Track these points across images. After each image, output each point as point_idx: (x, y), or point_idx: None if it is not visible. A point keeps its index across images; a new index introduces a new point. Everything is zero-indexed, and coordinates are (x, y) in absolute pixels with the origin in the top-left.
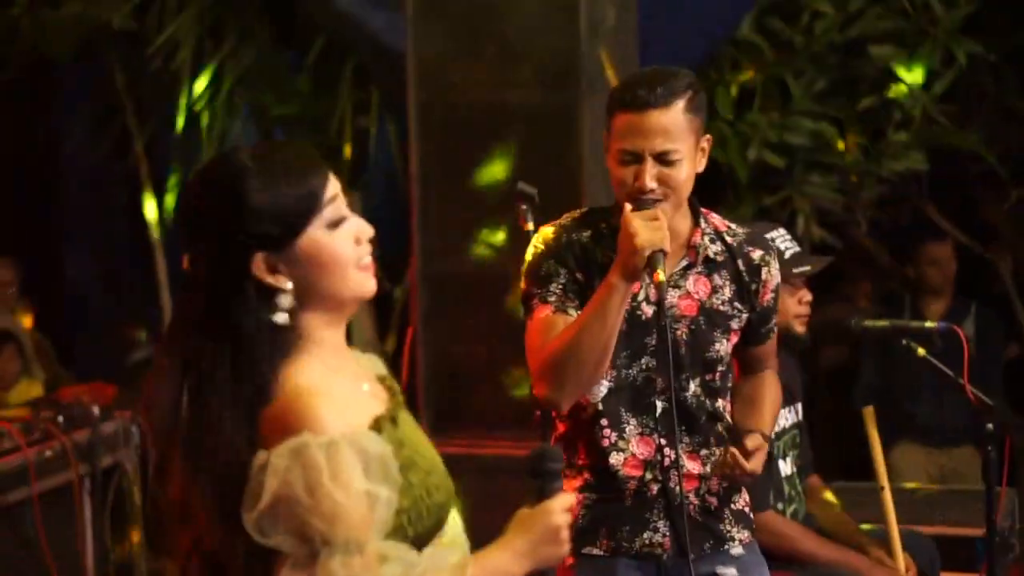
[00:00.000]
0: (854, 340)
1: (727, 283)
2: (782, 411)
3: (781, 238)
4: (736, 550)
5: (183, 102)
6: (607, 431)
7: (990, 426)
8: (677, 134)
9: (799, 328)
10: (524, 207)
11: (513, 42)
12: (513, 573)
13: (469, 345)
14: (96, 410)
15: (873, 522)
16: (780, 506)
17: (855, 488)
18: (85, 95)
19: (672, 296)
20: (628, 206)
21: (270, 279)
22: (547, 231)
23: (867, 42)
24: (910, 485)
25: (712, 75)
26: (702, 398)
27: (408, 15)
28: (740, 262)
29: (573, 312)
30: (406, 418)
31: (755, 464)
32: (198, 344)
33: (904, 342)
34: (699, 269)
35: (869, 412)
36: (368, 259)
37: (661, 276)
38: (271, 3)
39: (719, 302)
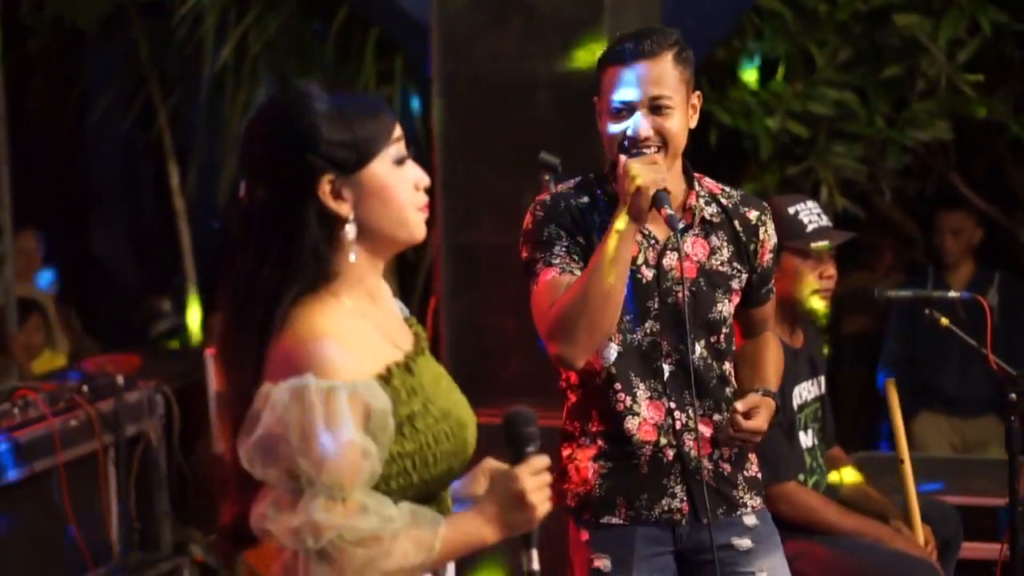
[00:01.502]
0: (878, 309)
1: (725, 244)
2: (804, 383)
3: (806, 211)
4: (750, 519)
5: (207, 72)
6: (621, 395)
7: (1013, 396)
8: (668, 83)
9: (822, 301)
10: (547, 177)
11: (538, 12)
12: (484, 537)
13: (497, 318)
14: (121, 379)
15: (895, 492)
16: (802, 477)
17: (878, 458)
18: (110, 66)
19: (671, 259)
20: (623, 157)
21: (333, 204)
22: (544, 198)
23: (891, 11)
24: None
25: (736, 44)
26: (709, 360)
27: None
28: (737, 223)
29: (578, 272)
30: (426, 363)
31: (758, 422)
32: (248, 267)
33: (927, 312)
34: (696, 231)
35: (891, 384)
36: (425, 204)
37: (669, 211)
38: None
39: (718, 263)
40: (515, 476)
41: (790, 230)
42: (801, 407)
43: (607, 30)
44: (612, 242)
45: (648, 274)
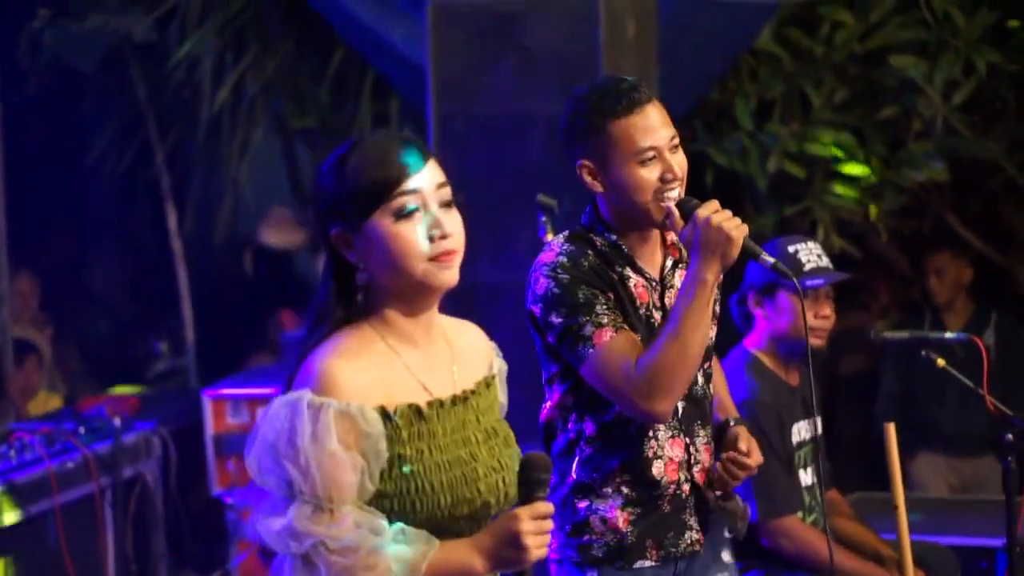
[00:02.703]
0: (875, 350)
1: None
2: (802, 423)
3: (806, 251)
4: (727, 532)
5: (204, 114)
6: (652, 441)
7: (1010, 436)
8: (670, 122)
9: (817, 341)
10: (544, 218)
11: (533, 54)
12: (474, 567)
13: None
14: (117, 421)
15: (892, 534)
16: (800, 515)
17: (876, 498)
18: (108, 107)
19: (670, 297)
20: (672, 208)
21: (343, 252)
22: (561, 261)
23: (887, 52)
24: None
25: (732, 85)
26: (705, 388)
27: (428, 27)
28: None
29: (627, 329)
30: (457, 414)
31: (757, 456)
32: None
33: (924, 352)
34: (682, 265)
35: (890, 428)
36: (441, 252)
37: (766, 256)
38: (292, 14)
39: None
40: (516, 516)
41: (788, 268)
42: (799, 445)
43: (603, 70)
44: (705, 292)
45: (657, 316)
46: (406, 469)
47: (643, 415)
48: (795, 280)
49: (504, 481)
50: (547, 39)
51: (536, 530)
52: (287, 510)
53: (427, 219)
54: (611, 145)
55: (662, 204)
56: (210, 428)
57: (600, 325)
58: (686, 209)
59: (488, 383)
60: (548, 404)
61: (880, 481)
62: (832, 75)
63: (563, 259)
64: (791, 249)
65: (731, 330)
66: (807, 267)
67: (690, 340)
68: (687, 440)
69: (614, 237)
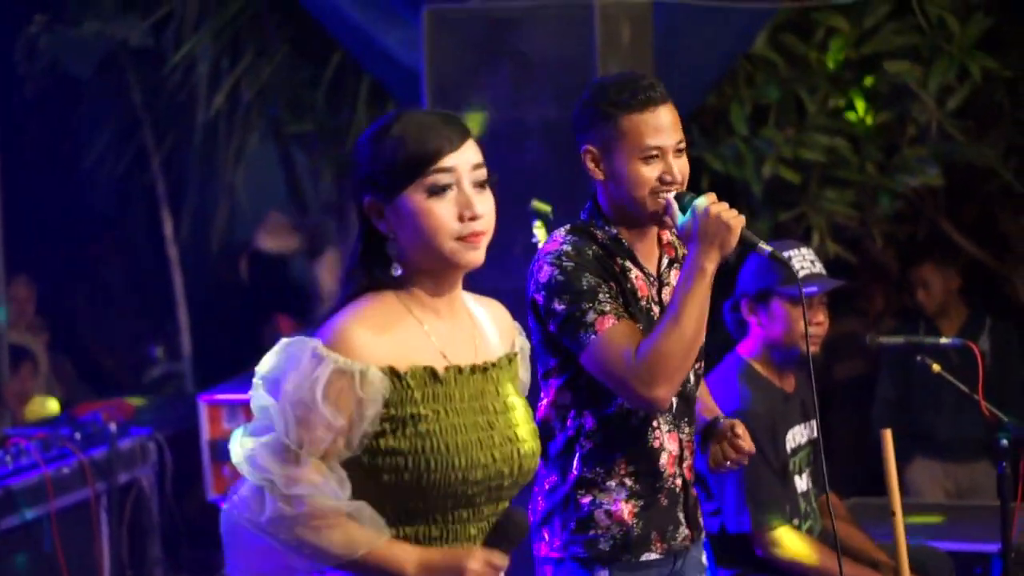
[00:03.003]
0: (870, 355)
1: None
2: (797, 427)
3: (799, 257)
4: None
5: (200, 118)
6: (657, 432)
7: (1004, 441)
8: (680, 127)
9: (812, 348)
10: (539, 224)
11: (529, 59)
12: (405, 572)
13: None
14: (113, 427)
15: (888, 539)
16: (796, 522)
17: (872, 504)
18: (104, 112)
19: (667, 293)
20: (671, 199)
21: (375, 222)
22: (566, 250)
23: (882, 58)
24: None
25: (727, 91)
26: (695, 387)
27: (423, 34)
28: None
29: (629, 318)
30: (475, 383)
31: (749, 443)
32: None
33: (919, 358)
34: (678, 264)
35: (887, 435)
36: (469, 233)
37: (764, 245)
38: (287, 20)
39: None
40: (472, 554)
41: (783, 275)
42: (795, 451)
43: (598, 76)
44: (703, 281)
45: (656, 310)
46: (422, 428)
47: (643, 402)
48: (791, 267)
49: (519, 453)
50: (542, 45)
51: (482, 572)
52: (254, 438)
53: (459, 198)
54: (618, 137)
55: (659, 199)
56: (206, 433)
57: (602, 312)
58: (684, 201)
59: (511, 359)
60: (544, 401)
61: (876, 487)
62: (827, 81)
63: (567, 248)
64: (785, 255)
65: (722, 338)
66: (802, 273)
67: (689, 327)
68: (681, 436)
69: (614, 231)
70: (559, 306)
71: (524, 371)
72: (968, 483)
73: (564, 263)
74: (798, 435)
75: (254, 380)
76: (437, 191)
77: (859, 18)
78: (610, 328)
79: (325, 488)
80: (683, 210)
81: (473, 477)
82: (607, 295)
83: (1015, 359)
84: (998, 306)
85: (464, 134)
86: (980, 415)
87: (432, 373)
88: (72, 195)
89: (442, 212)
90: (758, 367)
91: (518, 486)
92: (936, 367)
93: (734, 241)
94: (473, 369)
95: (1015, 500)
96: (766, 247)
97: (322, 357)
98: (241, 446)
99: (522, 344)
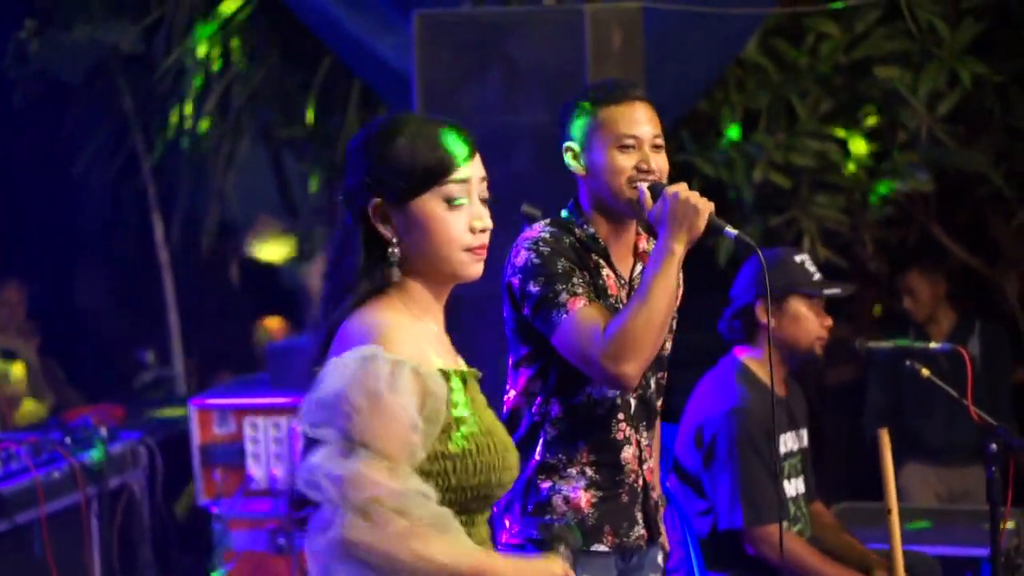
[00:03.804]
0: (860, 360)
1: None
2: (788, 434)
3: (808, 262)
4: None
5: (190, 124)
6: (623, 424)
7: (993, 446)
8: (659, 126)
9: (818, 349)
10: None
11: (519, 65)
12: None
13: (477, 366)
14: (104, 431)
15: (879, 543)
16: (785, 525)
17: (862, 509)
18: (95, 117)
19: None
20: (645, 187)
21: (380, 227)
22: (541, 235)
23: (872, 63)
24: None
25: (718, 96)
26: (656, 396)
27: (414, 39)
28: None
29: (600, 303)
30: (476, 391)
31: None
32: (327, 272)
33: (909, 363)
34: None
35: (884, 434)
36: (478, 245)
37: (730, 228)
38: (278, 25)
39: None
40: (562, 566)
41: (800, 277)
42: (785, 456)
43: (589, 81)
44: (672, 262)
45: (620, 308)
46: (466, 431)
47: (611, 378)
48: (759, 250)
49: (515, 457)
50: (533, 50)
51: None
52: (349, 462)
53: (471, 209)
54: (596, 127)
55: (633, 187)
56: (196, 438)
57: (575, 294)
58: (656, 190)
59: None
60: (513, 392)
61: (866, 491)
62: (817, 86)
63: (545, 235)
64: (797, 259)
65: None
66: (816, 277)
67: (657, 307)
68: (638, 437)
69: (592, 229)
70: (534, 288)
71: None
72: (960, 487)
73: (541, 248)
74: (788, 441)
75: (308, 408)
76: (452, 202)
77: (849, 23)
78: (581, 308)
79: (427, 494)
80: (655, 198)
81: (504, 479)
82: (582, 279)
83: (1004, 363)
84: (988, 311)
85: (475, 147)
86: (970, 420)
87: (461, 376)
88: (63, 199)
89: (457, 223)
90: (755, 369)
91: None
92: (926, 372)
93: (702, 224)
94: (472, 376)
95: (1004, 505)
96: (732, 230)
97: (397, 362)
98: (332, 471)
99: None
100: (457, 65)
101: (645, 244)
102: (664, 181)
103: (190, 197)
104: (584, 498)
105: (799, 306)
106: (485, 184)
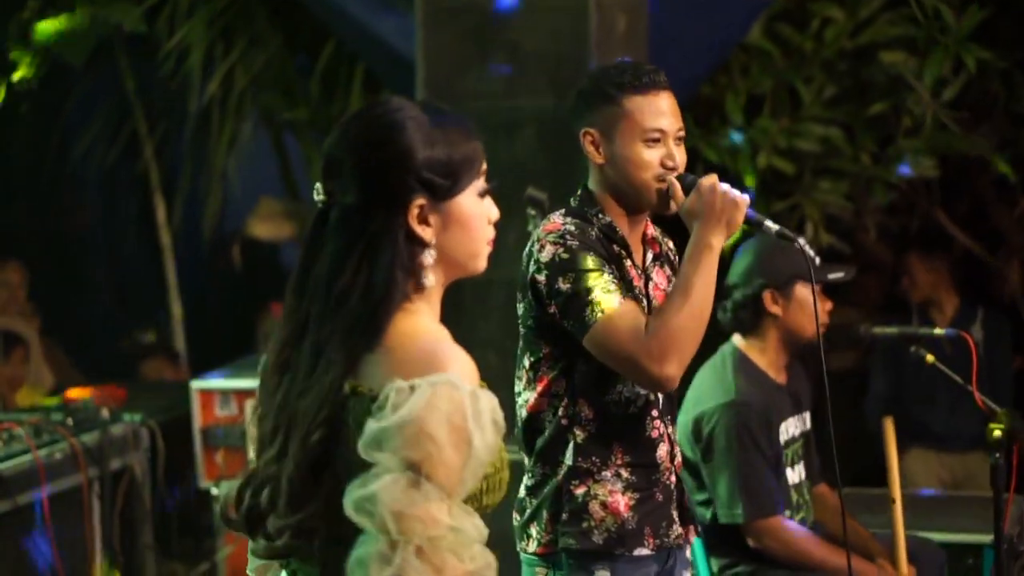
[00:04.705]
0: (863, 346)
1: (672, 273)
2: (791, 419)
3: (807, 247)
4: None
5: (193, 107)
6: (657, 422)
7: (997, 432)
8: (680, 117)
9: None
10: (534, 213)
11: (523, 49)
12: None
13: (481, 352)
14: (106, 413)
15: (881, 530)
16: (788, 514)
17: (865, 495)
18: (96, 99)
19: (652, 288)
20: (673, 180)
21: (418, 228)
22: (569, 229)
23: (877, 48)
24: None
25: (722, 81)
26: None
27: (417, 22)
28: (671, 253)
29: (632, 298)
30: None
31: None
32: (322, 269)
33: (913, 349)
34: (662, 260)
35: (889, 422)
36: (493, 237)
37: (772, 224)
38: (281, 8)
39: None
40: None
41: (803, 262)
42: (787, 443)
43: (594, 66)
44: (711, 258)
45: (644, 303)
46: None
47: (653, 380)
48: (799, 241)
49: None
50: (537, 35)
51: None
52: (417, 493)
53: (489, 202)
54: (622, 117)
55: (661, 182)
56: (198, 420)
57: (608, 291)
58: (686, 182)
59: None
60: (534, 394)
61: (868, 478)
62: (822, 71)
63: (570, 227)
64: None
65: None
66: (816, 262)
67: (699, 303)
68: (668, 430)
69: (607, 219)
70: (563, 285)
71: None
72: (963, 473)
73: (568, 241)
74: (791, 427)
75: (379, 434)
76: (485, 193)
77: (854, 8)
78: (618, 307)
79: (480, 529)
80: (686, 191)
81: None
82: (611, 274)
83: (1007, 350)
84: (990, 297)
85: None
86: (974, 405)
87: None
88: (65, 182)
89: (488, 215)
90: (754, 358)
91: None
92: (930, 358)
93: (740, 218)
94: None
95: (1008, 491)
96: (773, 225)
97: (471, 392)
98: (398, 508)
99: None
100: (461, 50)
101: (653, 231)
102: (682, 172)
103: (192, 180)
104: (622, 502)
105: (803, 291)
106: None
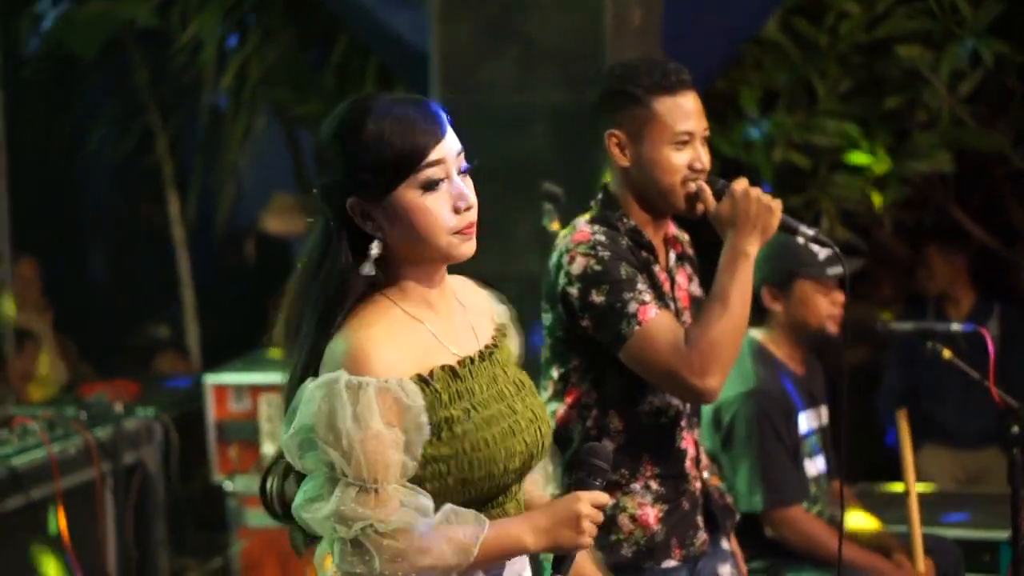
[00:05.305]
0: (880, 341)
1: (693, 272)
2: (808, 412)
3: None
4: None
5: (206, 100)
6: (685, 432)
7: (1015, 428)
8: (704, 116)
9: (832, 328)
10: (549, 207)
11: (537, 42)
12: (526, 544)
13: None
14: (119, 407)
15: (896, 524)
16: (805, 505)
17: (879, 490)
18: (109, 93)
19: (678, 290)
20: (703, 184)
21: (360, 223)
22: (599, 239)
23: (893, 42)
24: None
25: (736, 75)
26: None
27: (432, 15)
28: (689, 249)
29: (665, 307)
30: (486, 368)
31: None
32: (303, 276)
33: (929, 344)
34: (685, 261)
35: (903, 416)
36: (465, 225)
37: (806, 228)
38: (294, 2)
39: (696, 290)
40: (579, 498)
41: (804, 258)
42: (806, 436)
43: (608, 60)
44: (747, 265)
45: (672, 307)
46: (458, 430)
47: (695, 393)
48: (837, 249)
49: (541, 430)
50: (551, 28)
51: (594, 517)
52: (331, 494)
53: (452, 189)
54: (650, 120)
55: (689, 187)
56: (212, 415)
57: (643, 302)
58: (717, 187)
59: (502, 332)
60: (562, 406)
61: (882, 473)
62: (837, 65)
63: (600, 237)
64: (802, 240)
65: None
66: (821, 256)
67: (738, 313)
68: (693, 437)
69: (632, 223)
70: (597, 298)
71: (513, 341)
72: (977, 469)
73: (600, 252)
74: (808, 420)
75: (288, 442)
76: (431, 186)
77: (870, 2)
78: (654, 318)
79: (416, 509)
80: (717, 196)
81: (512, 466)
82: (645, 285)
83: (1023, 345)
84: (1007, 292)
85: (444, 121)
86: (988, 401)
87: (452, 372)
88: (77, 175)
89: (438, 207)
90: (772, 348)
91: (539, 461)
92: (947, 353)
93: (775, 223)
94: (481, 356)
95: None
96: (808, 230)
97: (358, 385)
98: (318, 513)
99: (504, 314)
100: (475, 42)
101: (675, 230)
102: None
103: (205, 174)
104: (652, 514)
105: (806, 287)
106: (462, 157)
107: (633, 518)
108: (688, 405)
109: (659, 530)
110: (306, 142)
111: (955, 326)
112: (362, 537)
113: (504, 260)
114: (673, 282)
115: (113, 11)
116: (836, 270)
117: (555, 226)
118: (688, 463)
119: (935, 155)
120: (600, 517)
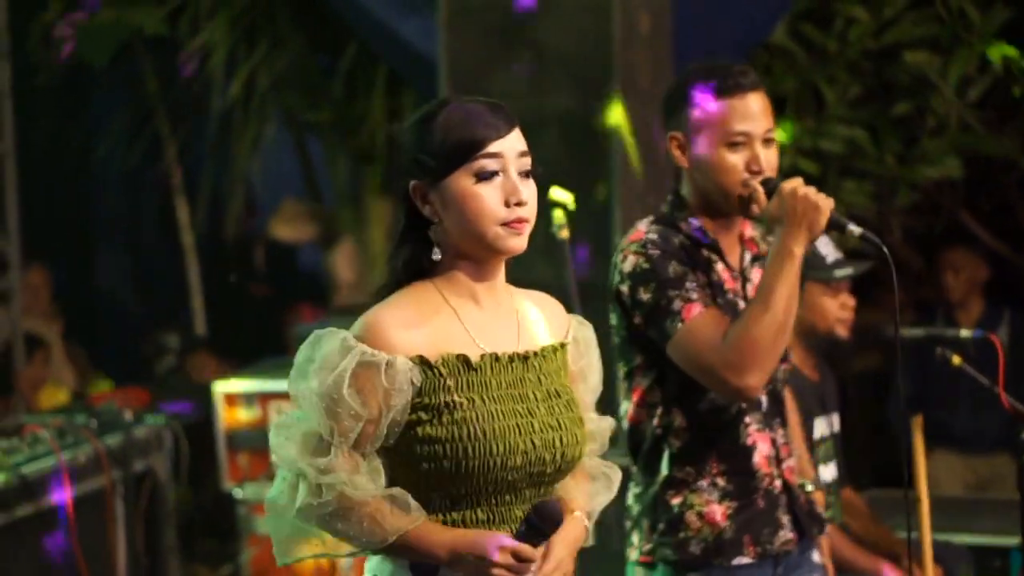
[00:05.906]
0: (889, 348)
1: None
2: (821, 419)
3: (823, 243)
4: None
5: (215, 108)
6: (751, 428)
7: None
8: (772, 116)
9: (842, 331)
10: (559, 214)
11: (547, 48)
12: (439, 559)
13: None
14: (129, 415)
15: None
16: None
17: (889, 496)
18: (118, 101)
19: (750, 289)
20: (756, 184)
21: (419, 206)
22: (651, 238)
23: (901, 48)
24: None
25: None
26: (783, 387)
27: (441, 22)
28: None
29: (718, 306)
30: (511, 373)
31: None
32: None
33: (939, 350)
34: (761, 261)
35: (917, 422)
36: (514, 219)
37: (853, 227)
38: (303, 9)
39: None
40: (501, 544)
41: (812, 261)
42: (818, 442)
43: (617, 66)
44: (793, 264)
45: (742, 305)
46: (458, 416)
47: (733, 391)
48: (885, 249)
49: (561, 440)
50: (560, 35)
51: (506, 567)
52: (291, 427)
53: (506, 184)
54: (704, 122)
55: (745, 187)
56: (222, 423)
57: (689, 300)
58: (770, 186)
59: (557, 349)
60: (631, 405)
61: (892, 479)
62: (846, 71)
63: (653, 236)
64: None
65: None
66: (830, 259)
67: (780, 312)
68: (773, 435)
69: (698, 222)
70: (645, 295)
71: (583, 360)
72: (988, 475)
73: (649, 251)
74: (820, 426)
75: (292, 370)
76: (485, 176)
77: (879, 8)
78: (697, 316)
79: (356, 478)
80: (769, 195)
81: (512, 463)
82: (695, 283)
83: None
84: (1016, 298)
85: (511, 122)
86: (998, 407)
87: (465, 361)
88: (87, 183)
89: (489, 197)
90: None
91: (562, 473)
92: (957, 359)
93: (823, 222)
94: (512, 357)
95: None
96: (856, 229)
97: (349, 348)
98: (276, 436)
99: (578, 334)
100: (484, 49)
101: (751, 231)
102: (774, 176)
103: (214, 181)
104: (719, 511)
105: (813, 291)
106: (527, 159)
107: (700, 515)
108: (764, 405)
109: (727, 527)
110: (315, 149)
111: (965, 332)
112: (300, 477)
113: (513, 267)
114: (746, 281)
115: (125, 19)
116: (845, 272)
117: (564, 233)
118: (759, 460)
119: (944, 161)
120: (519, 569)
